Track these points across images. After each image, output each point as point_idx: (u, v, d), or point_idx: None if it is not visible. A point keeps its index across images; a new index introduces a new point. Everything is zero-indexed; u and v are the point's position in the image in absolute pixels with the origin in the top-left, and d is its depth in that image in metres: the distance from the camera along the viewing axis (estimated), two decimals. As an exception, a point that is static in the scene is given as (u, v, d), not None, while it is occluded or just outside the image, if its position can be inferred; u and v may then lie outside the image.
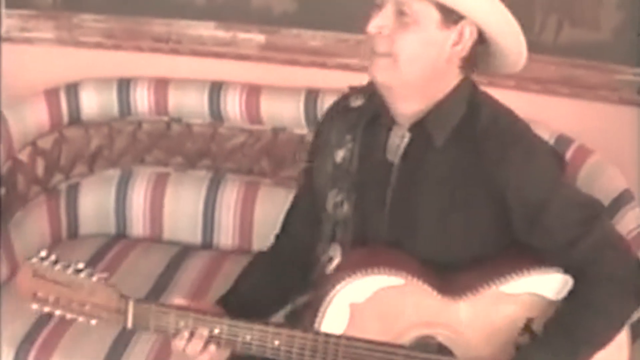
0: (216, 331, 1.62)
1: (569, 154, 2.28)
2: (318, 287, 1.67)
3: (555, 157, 1.69)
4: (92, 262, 2.42)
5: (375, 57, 1.58)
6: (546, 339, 1.60)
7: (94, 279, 1.62)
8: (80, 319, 1.64)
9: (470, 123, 1.62)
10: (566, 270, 1.62)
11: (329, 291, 1.60)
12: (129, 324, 1.63)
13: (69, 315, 1.64)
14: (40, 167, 2.53)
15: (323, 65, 2.56)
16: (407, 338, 1.63)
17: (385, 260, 1.62)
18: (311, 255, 1.73)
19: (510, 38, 1.60)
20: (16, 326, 2.18)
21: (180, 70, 2.64)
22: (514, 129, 1.64)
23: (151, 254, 2.54)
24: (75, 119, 2.58)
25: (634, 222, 2.07)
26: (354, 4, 2.45)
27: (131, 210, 2.62)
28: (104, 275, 1.63)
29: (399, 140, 1.66)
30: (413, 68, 1.57)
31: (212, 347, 1.62)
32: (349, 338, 1.60)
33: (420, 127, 1.64)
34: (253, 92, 2.54)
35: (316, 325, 1.61)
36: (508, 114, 1.66)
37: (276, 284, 1.80)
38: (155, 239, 2.63)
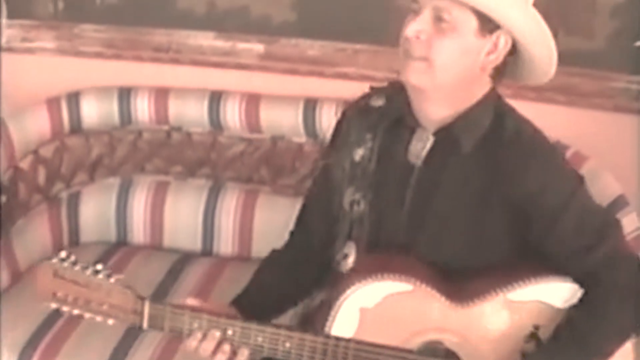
0: (229, 333, 1.63)
1: (565, 161, 2.30)
2: (332, 285, 1.69)
3: (571, 167, 1.72)
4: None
5: (410, 61, 1.58)
6: (556, 347, 1.61)
7: (112, 280, 1.63)
8: (98, 318, 1.65)
9: (495, 132, 1.64)
10: (579, 278, 1.63)
11: (339, 295, 1.62)
12: (145, 325, 1.64)
13: (87, 315, 1.65)
14: (41, 176, 2.53)
15: (321, 75, 2.57)
16: (415, 343, 1.64)
17: (395, 267, 1.63)
18: (326, 252, 1.74)
19: (543, 49, 1.61)
20: (17, 333, 2.19)
21: (181, 79, 2.64)
22: (534, 140, 1.66)
23: (152, 261, 2.54)
24: (76, 127, 2.59)
25: (629, 227, 2.08)
26: (351, 15, 2.52)
27: (132, 218, 2.62)
28: (121, 276, 1.64)
29: (422, 143, 1.67)
30: (448, 74, 1.58)
31: (227, 347, 1.63)
32: (358, 342, 1.62)
33: (446, 132, 1.65)
34: (252, 101, 2.55)
35: (327, 328, 1.63)
36: (529, 124, 1.67)
37: (292, 280, 1.81)
38: (155, 246, 2.63)
